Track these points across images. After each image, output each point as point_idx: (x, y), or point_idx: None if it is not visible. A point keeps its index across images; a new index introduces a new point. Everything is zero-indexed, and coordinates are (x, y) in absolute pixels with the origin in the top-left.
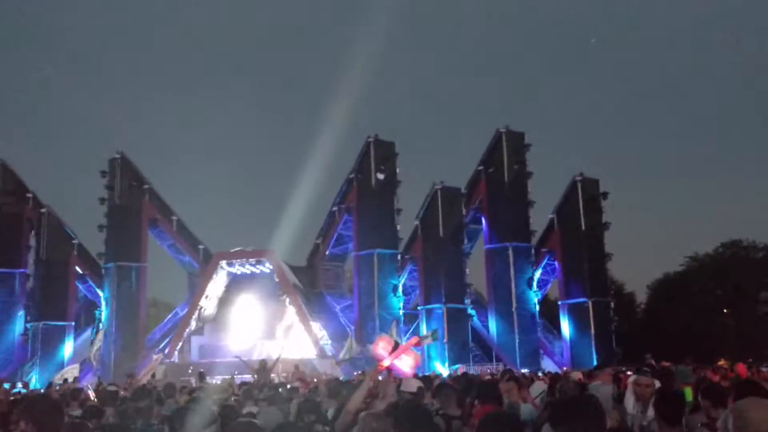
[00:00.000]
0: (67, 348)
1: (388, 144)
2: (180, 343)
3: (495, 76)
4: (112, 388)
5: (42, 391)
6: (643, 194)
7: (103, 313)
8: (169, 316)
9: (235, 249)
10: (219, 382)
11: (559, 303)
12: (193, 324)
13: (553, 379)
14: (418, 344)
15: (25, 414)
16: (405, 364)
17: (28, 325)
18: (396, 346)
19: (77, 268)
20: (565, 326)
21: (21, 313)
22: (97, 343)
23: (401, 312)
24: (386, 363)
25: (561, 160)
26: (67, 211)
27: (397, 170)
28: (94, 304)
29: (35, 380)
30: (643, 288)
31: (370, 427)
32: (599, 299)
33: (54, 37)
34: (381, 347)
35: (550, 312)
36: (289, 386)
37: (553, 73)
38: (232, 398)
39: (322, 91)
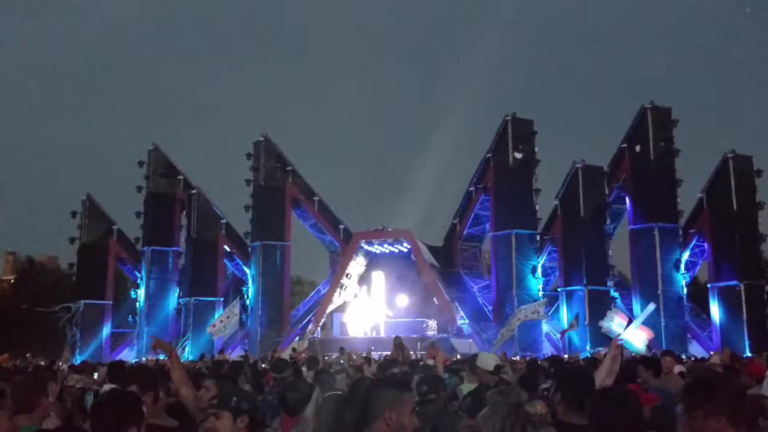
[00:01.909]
0: None
1: (526, 122)
2: (322, 320)
3: (638, 49)
4: (237, 359)
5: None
6: None
7: (250, 290)
8: (312, 293)
9: (374, 228)
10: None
11: (709, 286)
12: (335, 301)
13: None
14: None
15: (8, 389)
16: (638, 339)
17: (181, 301)
18: (629, 322)
19: (225, 247)
20: (715, 310)
21: (174, 289)
22: (224, 322)
23: (540, 293)
24: (622, 337)
25: (711, 136)
26: (216, 192)
27: (536, 149)
28: (241, 281)
29: (188, 352)
30: None
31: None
32: (752, 282)
33: (198, 23)
34: (616, 323)
35: (699, 295)
36: (422, 363)
37: (701, 45)
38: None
39: (461, 70)
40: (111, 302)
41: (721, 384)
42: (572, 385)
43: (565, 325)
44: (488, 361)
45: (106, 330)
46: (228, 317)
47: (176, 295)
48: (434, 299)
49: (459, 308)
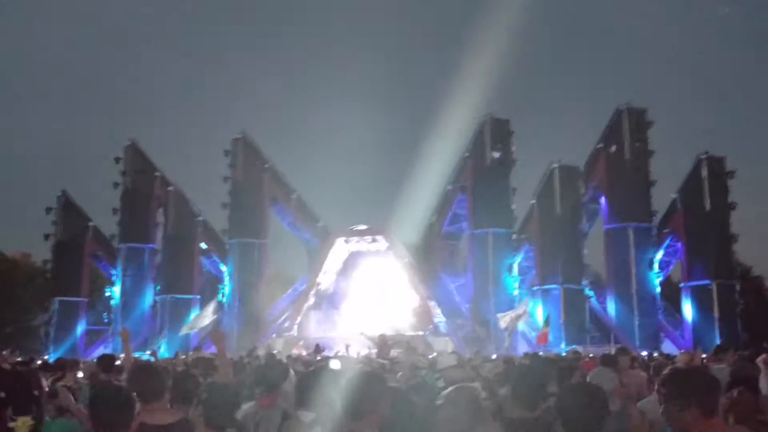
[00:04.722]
0: None
1: (503, 122)
2: (299, 318)
3: (615, 50)
4: (206, 356)
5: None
6: None
7: (227, 287)
8: (289, 291)
9: (353, 226)
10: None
11: (682, 285)
12: (311, 299)
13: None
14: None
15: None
16: None
17: (156, 298)
18: None
19: (202, 244)
20: (688, 309)
21: (150, 286)
22: (203, 319)
23: (516, 292)
24: None
25: (685, 137)
26: (193, 189)
27: (513, 149)
28: (218, 279)
29: (163, 350)
30: None
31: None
32: (724, 281)
33: (176, 20)
34: None
35: (672, 294)
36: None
37: (677, 46)
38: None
39: (439, 70)
40: (86, 299)
41: (694, 377)
42: (523, 384)
43: (540, 323)
44: (448, 360)
45: (81, 327)
46: (202, 316)
47: (152, 292)
48: (412, 297)
49: (436, 306)
